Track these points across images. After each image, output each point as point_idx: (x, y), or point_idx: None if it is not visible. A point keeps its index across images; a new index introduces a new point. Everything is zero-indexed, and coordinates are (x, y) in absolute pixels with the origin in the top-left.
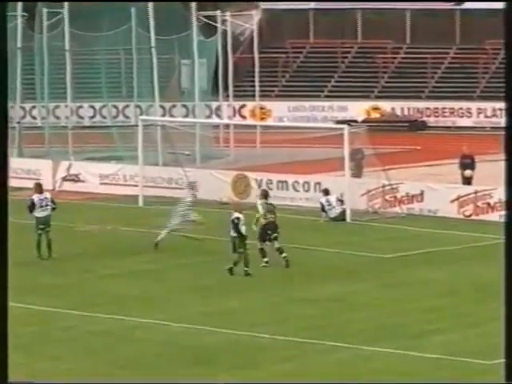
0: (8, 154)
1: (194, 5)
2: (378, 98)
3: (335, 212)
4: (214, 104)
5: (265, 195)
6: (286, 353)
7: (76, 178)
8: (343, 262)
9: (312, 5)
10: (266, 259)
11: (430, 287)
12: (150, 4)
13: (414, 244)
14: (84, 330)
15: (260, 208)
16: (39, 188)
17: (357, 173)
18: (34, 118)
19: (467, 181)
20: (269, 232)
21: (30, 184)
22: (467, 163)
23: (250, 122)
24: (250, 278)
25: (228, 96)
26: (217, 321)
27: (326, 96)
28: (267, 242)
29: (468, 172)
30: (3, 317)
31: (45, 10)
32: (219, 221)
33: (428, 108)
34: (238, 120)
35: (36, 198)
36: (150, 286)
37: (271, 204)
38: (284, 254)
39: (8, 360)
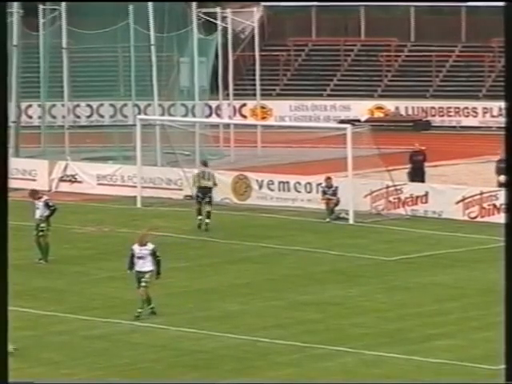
0: (8, 155)
1: (193, 1)
2: (381, 97)
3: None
4: (214, 103)
5: (204, 163)
6: (287, 357)
7: (73, 179)
8: (346, 264)
9: (314, 2)
10: (199, 217)
11: (434, 291)
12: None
13: (418, 246)
14: (81, 334)
15: (194, 177)
16: (34, 194)
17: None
18: (30, 117)
19: (502, 187)
20: (199, 195)
21: (26, 185)
22: (504, 168)
23: (250, 121)
24: (251, 281)
25: (228, 95)
26: (216, 325)
27: (329, 95)
28: (206, 206)
29: (503, 177)
30: (3, 317)
31: (41, 7)
32: (218, 223)
33: (433, 107)
34: (238, 119)
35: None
36: (148, 290)
37: (209, 172)
38: (207, 221)
39: (8, 360)
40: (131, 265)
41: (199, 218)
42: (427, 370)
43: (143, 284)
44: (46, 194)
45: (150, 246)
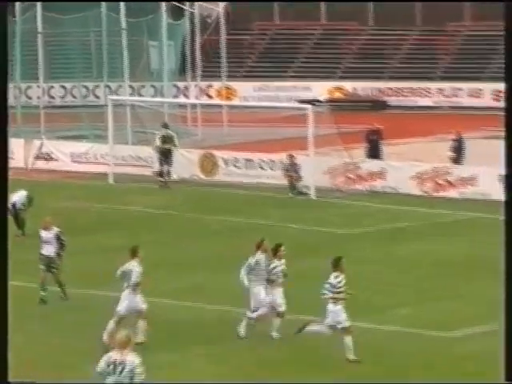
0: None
1: None
2: (341, 78)
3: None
4: (182, 84)
5: (165, 126)
6: (255, 327)
7: (48, 157)
8: (308, 238)
9: None
10: (161, 179)
11: (392, 263)
12: None
13: (376, 220)
14: (57, 305)
15: (157, 139)
16: None
17: None
18: None
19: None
20: (161, 157)
21: None
22: (455, 146)
23: (217, 101)
24: (219, 253)
25: (195, 77)
26: (188, 296)
27: (291, 76)
28: (165, 166)
29: (449, 154)
30: (3, 317)
31: None
32: (187, 197)
33: (390, 88)
34: (204, 100)
35: None
36: (121, 262)
37: (170, 136)
38: (171, 169)
39: (8, 360)
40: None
41: (160, 179)
42: (386, 338)
43: (54, 270)
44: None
45: (55, 230)
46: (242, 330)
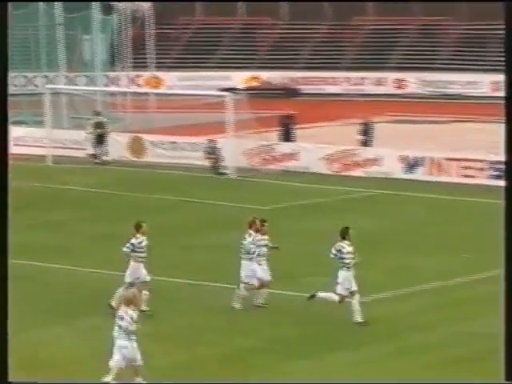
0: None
1: None
2: (258, 68)
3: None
4: (113, 74)
5: (97, 113)
6: (179, 294)
7: None
8: (229, 213)
9: None
10: (96, 160)
11: (309, 235)
12: None
13: (292, 197)
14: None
15: (90, 126)
16: None
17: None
18: None
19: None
20: (96, 142)
21: None
22: (363, 130)
23: (144, 89)
24: (151, 227)
25: (125, 67)
26: (120, 266)
27: (213, 67)
28: (99, 149)
29: (358, 137)
30: (3, 317)
31: None
32: (118, 177)
33: (302, 77)
34: (134, 88)
35: None
36: (57, 236)
37: (102, 122)
38: (100, 161)
39: (8, 360)
40: None
41: (96, 161)
42: (306, 303)
43: None
44: None
45: None
46: (236, 303)
